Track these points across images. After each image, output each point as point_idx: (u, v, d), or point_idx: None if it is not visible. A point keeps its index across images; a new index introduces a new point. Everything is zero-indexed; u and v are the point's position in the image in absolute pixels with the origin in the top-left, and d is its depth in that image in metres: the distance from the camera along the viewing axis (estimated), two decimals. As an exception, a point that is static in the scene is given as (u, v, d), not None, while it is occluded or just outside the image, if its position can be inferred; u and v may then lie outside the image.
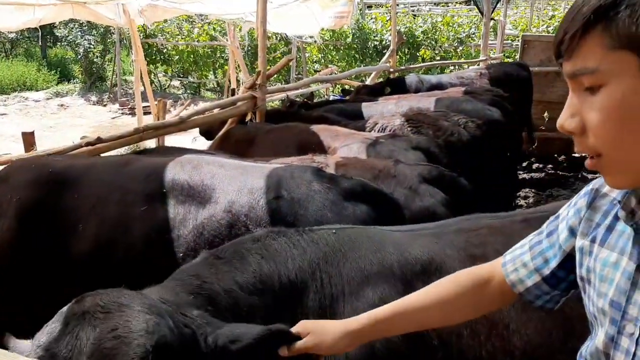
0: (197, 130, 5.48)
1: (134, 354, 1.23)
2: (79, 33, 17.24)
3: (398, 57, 13.50)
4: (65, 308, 1.38)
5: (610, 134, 0.91)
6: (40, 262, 2.64)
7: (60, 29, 17.94)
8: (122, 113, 14.95)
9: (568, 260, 1.20)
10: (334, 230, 1.82)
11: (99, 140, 3.74)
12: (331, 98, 11.66)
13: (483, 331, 1.62)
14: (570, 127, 0.96)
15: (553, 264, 1.23)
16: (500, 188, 5.11)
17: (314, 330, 1.39)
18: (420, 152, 3.91)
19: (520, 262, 1.28)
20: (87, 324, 1.30)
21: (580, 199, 1.19)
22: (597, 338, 1.08)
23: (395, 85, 7.65)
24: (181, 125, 4.32)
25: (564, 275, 1.23)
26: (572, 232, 1.18)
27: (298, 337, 1.39)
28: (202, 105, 5.69)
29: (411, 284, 1.67)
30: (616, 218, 1.06)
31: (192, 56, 16.59)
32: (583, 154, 0.98)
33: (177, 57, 16.74)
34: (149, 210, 2.60)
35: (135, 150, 8.12)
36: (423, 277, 1.69)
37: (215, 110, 4.91)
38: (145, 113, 9.95)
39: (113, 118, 14.65)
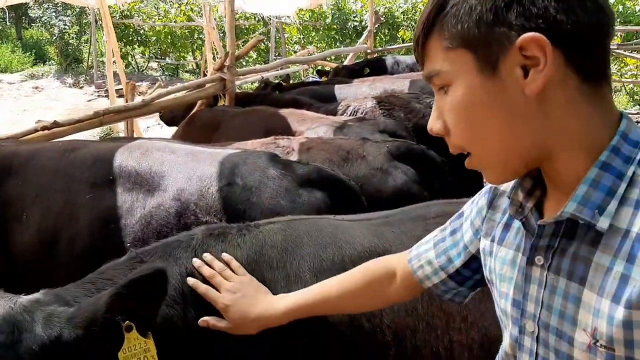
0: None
1: None
2: (54, 14, 16.87)
3: (378, 38, 13.40)
4: None
5: (465, 131, 0.93)
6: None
7: (34, 9, 17.53)
8: (99, 95, 14.67)
9: (473, 261, 1.20)
10: (281, 225, 1.69)
11: (55, 124, 3.60)
12: (310, 79, 11.55)
13: (440, 325, 1.56)
14: (436, 129, 0.97)
15: (457, 263, 1.22)
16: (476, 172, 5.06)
17: (238, 313, 1.40)
18: (387, 136, 3.83)
19: (426, 259, 1.28)
20: None
21: (481, 198, 1.18)
22: (505, 342, 1.06)
23: (374, 66, 7.57)
24: (144, 109, 4.18)
25: (469, 275, 1.23)
26: (477, 232, 1.16)
27: None
28: (167, 88, 5.51)
29: None
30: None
31: (169, 37, 16.30)
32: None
33: (154, 38, 16.43)
34: (95, 199, 2.48)
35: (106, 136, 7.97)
36: None
37: (182, 93, 4.75)
38: (120, 96, 9.75)
39: (89, 101, 14.37)
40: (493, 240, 1.08)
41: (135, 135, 7.37)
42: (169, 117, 5.22)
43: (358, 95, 5.67)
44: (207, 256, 1.50)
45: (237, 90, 5.70)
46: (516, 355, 1.02)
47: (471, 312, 1.56)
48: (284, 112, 4.18)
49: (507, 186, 1.07)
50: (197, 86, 4.76)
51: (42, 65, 18.18)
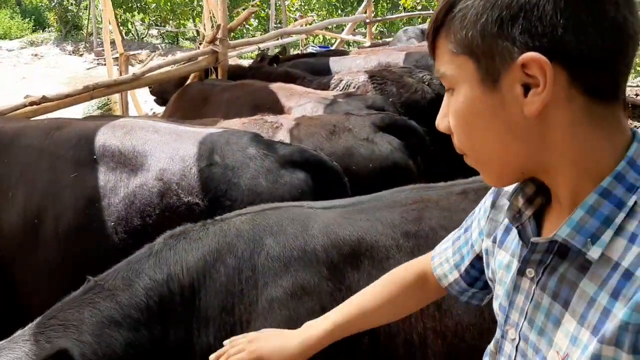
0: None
1: None
2: (52, -21, 16.65)
3: (380, 6, 13.20)
4: None
5: (462, 137, 0.92)
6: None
7: (32, -26, 17.31)
8: (98, 63, 14.55)
9: (478, 260, 1.18)
10: (250, 216, 1.66)
11: (44, 99, 3.60)
12: (309, 49, 11.43)
13: (413, 313, 1.53)
14: (442, 126, 0.96)
15: (467, 261, 1.20)
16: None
17: (266, 355, 1.29)
18: (375, 112, 3.83)
19: (445, 257, 1.26)
20: None
21: (487, 197, 1.15)
22: (493, 339, 1.06)
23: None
24: (134, 83, 4.17)
25: (477, 275, 1.20)
26: (481, 232, 1.15)
27: None
28: (166, 56, 5.46)
29: (338, 268, 1.57)
30: None
31: (169, 4, 16.08)
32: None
33: (154, 5, 16.23)
34: (79, 178, 2.50)
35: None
36: (352, 259, 1.59)
37: (174, 66, 4.73)
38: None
39: (88, 69, 14.29)
40: (494, 241, 1.07)
41: (131, 107, 7.37)
42: (159, 90, 5.18)
43: (353, 68, 5.63)
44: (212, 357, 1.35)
45: (234, 63, 5.67)
46: (497, 356, 1.03)
47: (444, 300, 1.55)
48: (273, 86, 4.17)
49: (510, 187, 1.02)
50: (189, 59, 4.72)
51: (41, 32, 18.03)
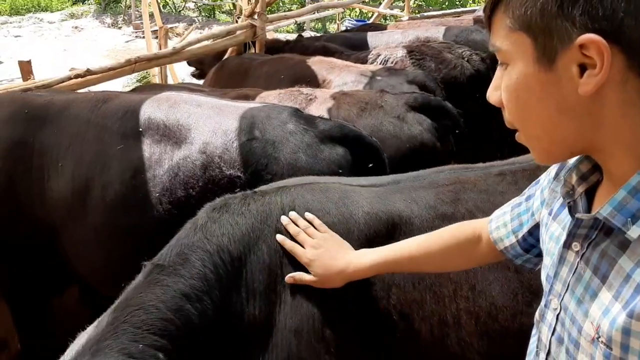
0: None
1: None
2: (92, -49, 16.80)
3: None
4: None
5: (514, 111, 0.93)
6: (22, 203, 2.68)
7: (72, -54, 17.50)
8: (137, 36, 14.75)
9: (537, 229, 1.20)
10: (290, 192, 1.66)
11: (88, 72, 3.70)
12: (346, 23, 11.33)
13: (447, 294, 1.56)
14: (494, 99, 0.97)
15: (525, 228, 1.23)
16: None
17: (321, 267, 1.46)
18: (416, 87, 3.81)
19: (502, 221, 1.29)
20: None
21: (552, 168, 1.17)
22: (538, 308, 1.09)
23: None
24: (174, 57, 4.23)
25: (534, 242, 1.23)
26: (543, 202, 1.16)
27: None
28: (196, 35, 5.51)
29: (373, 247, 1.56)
30: None
31: (206, -24, 16.13)
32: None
33: (191, -23, 16.28)
34: (125, 149, 2.58)
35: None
36: (387, 239, 1.57)
37: (212, 41, 4.77)
38: (157, 37, 9.75)
39: (127, 42, 14.49)
40: (550, 213, 1.09)
41: (170, 80, 7.47)
42: (197, 64, 5.26)
43: (390, 43, 5.58)
44: (292, 214, 1.56)
45: (271, 37, 5.68)
46: (540, 323, 1.06)
47: (479, 281, 1.56)
48: (312, 60, 4.18)
49: (572, 161, 1.04)
50: (227, 33, 4.76)
51: (81, 4, 18.30)
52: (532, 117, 0.91)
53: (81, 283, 2.99)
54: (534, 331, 1.13)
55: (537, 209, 1.19)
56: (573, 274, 0.94)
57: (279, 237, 1.53)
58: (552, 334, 1.00)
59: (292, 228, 1.54)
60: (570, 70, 0.83)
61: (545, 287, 1.04)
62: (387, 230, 1.61)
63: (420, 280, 1.55)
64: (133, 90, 3.90)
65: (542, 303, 1.05)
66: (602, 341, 0.85)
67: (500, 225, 1.29)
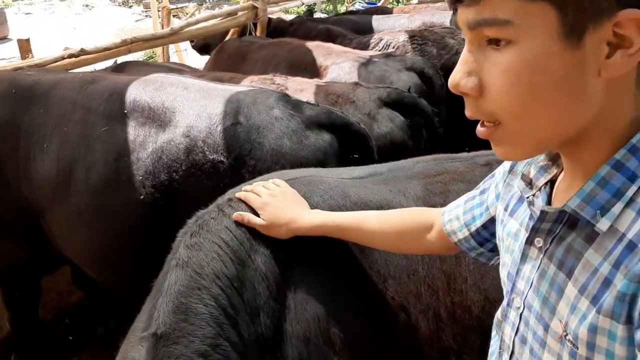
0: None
1: None
2: None
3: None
4: None
5: (514, 100, 0.77)
6: (9, 182, 2.67)
7: None
8: (147, 16, 14.68)
9: (491, 223, 1.17)
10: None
11: (82, 52, 3.66)
12: (357, 5, 11.18)
13: (441, 287, 1.53)
14: (466, 87, 0.81)
15: (478, 222, 1.20)
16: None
17: (271, 213, 1.45)
18: (414, 74, 3.75)
19: (455, 214, 1.26)
20: None
21: (506, 162, 1.11)
22: (500, 307, 1.06)
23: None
24: (173, 37, 4.18)
25: (488, 236, 1.20)
26: (498, 195, 1.12)
27: None
28: (197, 16, 5.45)
29: None
30: None
31: (217, -44, 15.98)
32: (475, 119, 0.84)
33: (202, -43, 16.15)
34: (109, 131, 2.56)
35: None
36: None
37: (213, 21, 4.72)
38: (174, 15, 9.71)
39: (137, 21, 14.44)
40: (506, 209, 1.04)
41: (175, 58, 7.43)
42: (202, 45, 5.21)
43: (396, 27, 5.51)
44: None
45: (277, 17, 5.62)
46: (502, 323, 1.03)
47: (471, 274, 1.53)
48: (311, 45, 4.12)
49: None
50: (228, 14, 4.70)
51: (92, -18, 18.24)
52: (541, 105, 0.77)
53: (72, 264, 2.99)
54: (494, 332, 1.10)
55: (492, 202, 1.15)
56: (537, 270, 0.90)
57: (238, 194, 1.52)
58: (516, 333, 0.97)
59: (248, 187, 1.55)
60: (598, 50, 0.73)
61: (507, 286, 0.99)
62: None
63: (414, 272, 1.53)
64: (116, 67, 3.85)
65: (504, 302, 1.01)
66: (569, 339, 0.82)
67: (452, 218, 1.25)
